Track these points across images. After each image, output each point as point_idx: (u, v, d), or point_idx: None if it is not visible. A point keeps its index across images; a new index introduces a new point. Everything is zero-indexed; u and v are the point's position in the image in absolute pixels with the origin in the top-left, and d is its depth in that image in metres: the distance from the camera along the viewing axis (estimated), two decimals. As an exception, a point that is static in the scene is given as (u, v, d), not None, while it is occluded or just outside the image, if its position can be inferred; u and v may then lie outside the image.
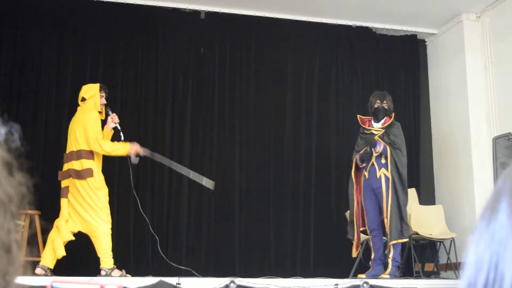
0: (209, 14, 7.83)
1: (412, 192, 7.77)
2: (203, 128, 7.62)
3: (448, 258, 7.12)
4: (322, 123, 7.97)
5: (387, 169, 6.24)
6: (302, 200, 7.68)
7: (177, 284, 5.06)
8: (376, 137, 6.32)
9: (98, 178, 5.82)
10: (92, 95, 5.92)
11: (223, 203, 7.44)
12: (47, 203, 6.28)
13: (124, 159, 6.33)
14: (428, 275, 7.21)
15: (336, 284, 5.42)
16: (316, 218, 7.66)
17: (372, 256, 6.37)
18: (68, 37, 7.37)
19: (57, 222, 5.76)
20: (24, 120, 7.06)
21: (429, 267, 7.55)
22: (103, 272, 5.64)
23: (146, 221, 6.41)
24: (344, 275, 6.55)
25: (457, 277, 6.92)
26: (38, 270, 5.66)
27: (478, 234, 0.66)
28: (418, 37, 8.52)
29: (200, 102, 7.67)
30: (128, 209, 7.01)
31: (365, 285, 5.43)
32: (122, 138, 6.05)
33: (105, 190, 5.85)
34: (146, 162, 7.30)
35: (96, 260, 5.79)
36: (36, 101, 7.17)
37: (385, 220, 6.23)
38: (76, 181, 5.77)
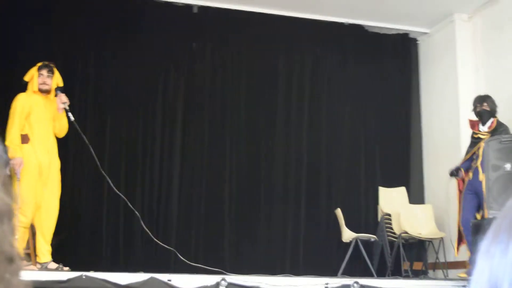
0: (202, 8, 7.77)
1: (402, 191, 7.81)
2: (193, 124, 7.57)
3: (437, 258, 7.16)
4: (313, 121, 7.96)
5: None
6: (292, 198, 7.67)
7: (168, 280, 5.03)
8: (482, 142, 6.39)
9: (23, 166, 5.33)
10: (31, 77, 5.70)
11: (213, 201, 7.40)
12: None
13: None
14: (416, 274, 7.25)
15: (327, 284, 5.42)
16: (306, 216, 7.65)
17: (469, 255, 6.41)
18: (58, 30, 7.23)
19: None
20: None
21: (418, 266, 7.57)
22: None
23: (136, 215, 6.37)
24: (333, 273, 6.57)
25: (445, 277, 6.96)
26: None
27: (492, 256, 0.64)
28: (410, 35, 8.53)
29: (191, 96, 7.62)
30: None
31: (355, 284, 5.43)
32: (72, 119, 5.73)
33: (24, 182, 5.30)
34: (137, 157, 7.26)
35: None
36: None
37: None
38: None
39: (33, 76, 5.69)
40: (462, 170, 6.60)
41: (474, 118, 6.70)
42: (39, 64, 5.75)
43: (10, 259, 0.78)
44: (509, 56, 7.15)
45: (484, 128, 6.56)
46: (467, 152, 6.69)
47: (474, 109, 6.65)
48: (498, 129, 6.49)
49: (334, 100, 8.10)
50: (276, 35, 7.97)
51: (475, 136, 6.60)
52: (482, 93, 6.88)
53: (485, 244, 0.66)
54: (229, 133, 7.65)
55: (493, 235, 0.66)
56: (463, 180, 6.65)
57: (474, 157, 6.54)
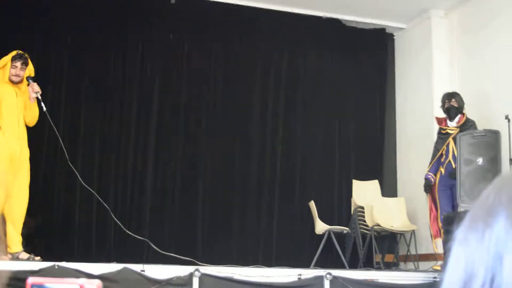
0: (180, -1, 7.76)
1: (375, 184, 7.89)
2: (168, 116, 7.55)
3: (408, 250, 7.26)
4: (289, 113, 7.99)
5: None
6: (266, 190, 7.71)
7: (141, 271, 5.05)
8: (451, 137, 6.52)
9: None
10: (3, 66, 5.60)
11: (187, 192, 7.41)
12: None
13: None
14: (388, 266, 7.35)
15: (300, 275, 5.48)
16: (280, 208, 7.69)
17: None
18: (34, 20, 7.15)
19: None
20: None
21: (389, 258, 7.67)
22: None
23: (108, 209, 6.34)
24: (306, 265, 6.63)
25: (416, 269, 7.06)
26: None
27: (468, 244, 0.64)
28: (387, 31, 8.59)
29: (167, 89, 7.60)
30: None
31: (328, 275, 5.49)
32: (44, 109, 5.66)
33: None
34: (111, 148, 7.24)
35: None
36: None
37: None
38: None
39: (6, 66, 5.59)
40: (432, 177, 6.68)
41: (441, 115, 6.80)
42: (13, 53, 5.64)
43: None
44: (484, 52, 7.25)
45: (452, 124, 6.66)
46: (436, 149, 6.74)
47: (443, 106, 6.75)
48: (467, 124, 6.60)
49: (310, 92, 8.14)
50: (253, 28, 7.98)
51: (443, 132, 6.69)
52: (451, 90, 6.99)
53: (461, 232, 0.66)
54: (205, 125, 7.65)
55: (469, 223, 0.66)
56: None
57: (444, 153, 6.63)
